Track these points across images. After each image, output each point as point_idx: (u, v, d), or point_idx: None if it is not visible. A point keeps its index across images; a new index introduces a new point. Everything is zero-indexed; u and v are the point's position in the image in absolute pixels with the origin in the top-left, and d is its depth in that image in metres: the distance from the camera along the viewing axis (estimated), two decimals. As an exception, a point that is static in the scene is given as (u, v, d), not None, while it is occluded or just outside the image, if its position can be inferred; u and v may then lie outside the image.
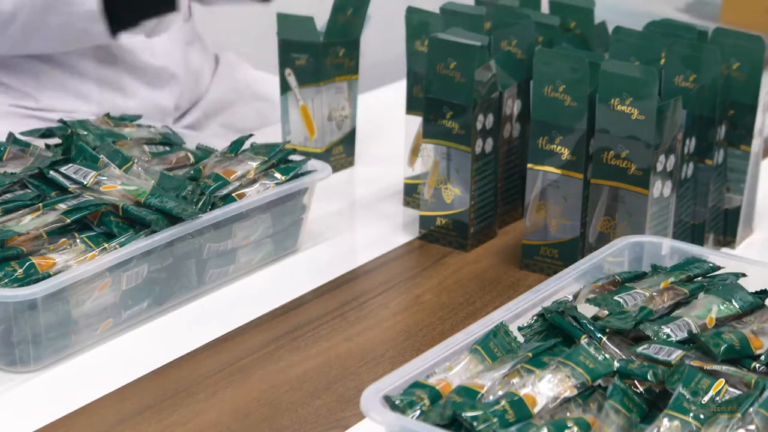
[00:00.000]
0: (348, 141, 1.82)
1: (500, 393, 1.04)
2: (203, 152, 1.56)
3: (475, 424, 0.99)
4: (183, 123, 2.02)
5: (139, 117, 1.63)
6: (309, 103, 1.76)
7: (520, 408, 1.02)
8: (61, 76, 1.88)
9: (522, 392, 1.03)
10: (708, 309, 1.18)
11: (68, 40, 1.81)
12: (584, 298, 1.20)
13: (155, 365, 1.30)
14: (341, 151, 1.81)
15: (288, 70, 1.76)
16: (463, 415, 1.00)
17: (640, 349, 1.11)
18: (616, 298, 1.18)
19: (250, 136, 1.54)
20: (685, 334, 1.14)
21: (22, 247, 1.28)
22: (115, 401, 1.24)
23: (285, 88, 1.77)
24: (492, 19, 1.67)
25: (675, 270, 1.27)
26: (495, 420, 1.00)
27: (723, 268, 1.28)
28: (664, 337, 1.13)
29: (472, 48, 1.51)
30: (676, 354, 1.09)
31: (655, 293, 1.20)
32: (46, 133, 1.53)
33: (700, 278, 1.26)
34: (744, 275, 1.27)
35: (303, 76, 1.75)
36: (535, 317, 1.18)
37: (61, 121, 1.53)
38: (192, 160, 1.52)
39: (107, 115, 1.60)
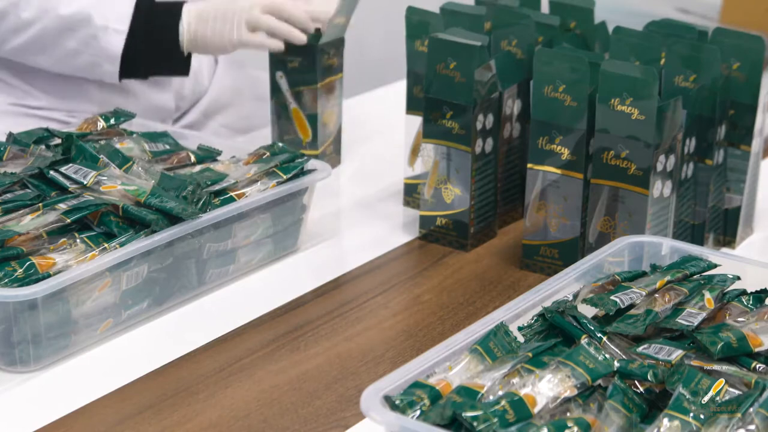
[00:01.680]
0: (336, 140, 1.81)
1: (500, 393, 1.04)
2: (204, 152, 1.56)
3: (475, 424, 0.99)
4: (183, 123, 2.01)
5: (133, 115, 1.60)
6: (300, 106, 1.76)
7: (520, 408, 1.02)
8: (63, 74, 1.88)
9: (522, 392, 1.03)
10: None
11: (72, 65, 1.81)
12: (583, 298, 1.20)
13: (155, 365, 1.30)
14: (331, 151, 1.80)
15: (279, 73, 1.75)
16: (463, 415, 1.00)
17: (640, 349, 1.11)
18: (612, 297, 1.18)
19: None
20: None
21: (22, 247, 1.28)
22: (115, 401, 1.24)
23: (275, 90, 1.76)
24: (492, 19, 1.67)
25: (671, 268, 1.27)
26: (495, 420, 1.00)
27: (719, 265, 1.28)
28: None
29: (472, 48, 1.51)
30: (676, 354, 1.09)
31: (650, 291, 1.20)
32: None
33: (696, 276, 1.26)
34: (739, 278, 1.26)
35: (296, 79, 1.75)
36: (535, 317, 1.18)
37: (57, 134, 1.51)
38: (193, 159, 1.52)
39: (102, 115, 1.57)
